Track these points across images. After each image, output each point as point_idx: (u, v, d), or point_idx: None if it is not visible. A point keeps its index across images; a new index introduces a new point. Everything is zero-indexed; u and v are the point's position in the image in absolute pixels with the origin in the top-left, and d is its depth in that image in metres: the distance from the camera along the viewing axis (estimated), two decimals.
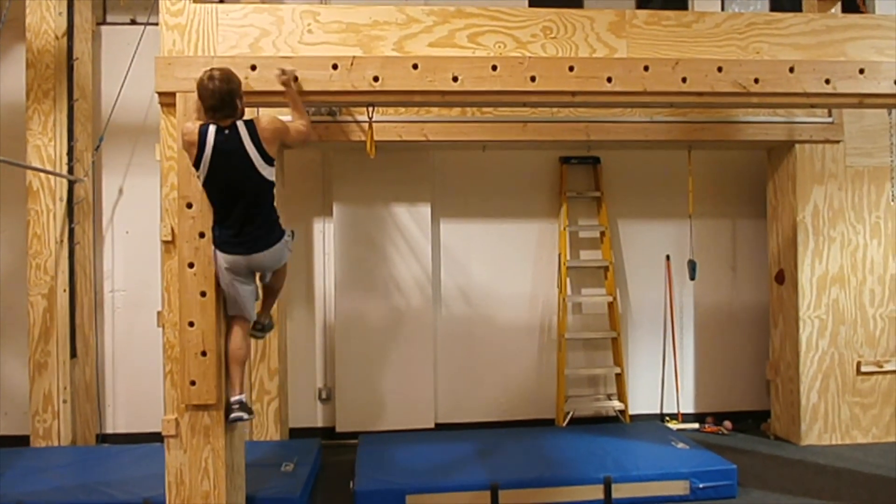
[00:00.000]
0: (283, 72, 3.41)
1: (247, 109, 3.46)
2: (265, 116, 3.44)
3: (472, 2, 3.87)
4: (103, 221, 5.95)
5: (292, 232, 3.68)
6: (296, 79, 3.45)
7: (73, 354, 5.52)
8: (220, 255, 3.41)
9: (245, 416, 3.47)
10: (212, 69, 3.27)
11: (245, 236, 3.39)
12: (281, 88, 3.43)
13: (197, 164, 3.32)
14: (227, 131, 3.29)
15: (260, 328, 3.87)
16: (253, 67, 3.44)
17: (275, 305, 4.02)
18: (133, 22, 5.91)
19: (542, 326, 6.31)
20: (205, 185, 3.36)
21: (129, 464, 4.83)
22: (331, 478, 5.04)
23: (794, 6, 6.14)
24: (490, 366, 6.22)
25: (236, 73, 3.36)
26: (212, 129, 3.29)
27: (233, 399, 3.48)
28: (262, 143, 3.33)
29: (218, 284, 3.42)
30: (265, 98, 3.50)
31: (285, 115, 3.60)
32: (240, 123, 3.32)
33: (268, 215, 3.47)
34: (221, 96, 3.25)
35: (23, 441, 5.42)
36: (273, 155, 3.39)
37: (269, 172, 3.38)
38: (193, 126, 3.31)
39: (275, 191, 3.50)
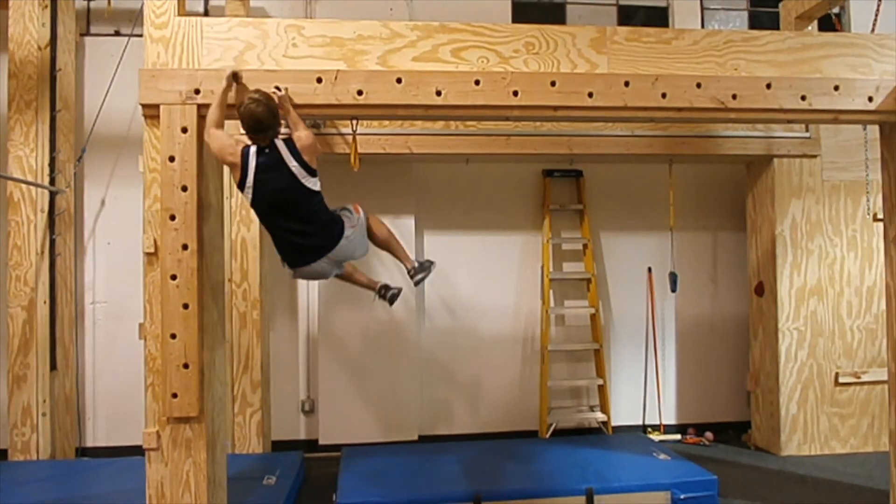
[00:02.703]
0: (278, 88, 3.44)
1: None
2: (298, 131, 3.49)
3: (456, 17, 3.91)
4: (85, 233, 5.92)
5: (348, 208, 3.85)
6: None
7: (53, 367, 5.46)
8: (299, 271, 3.66)
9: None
10: (252, 93, 3.33)
11: (311, 246, 3.59)
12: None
13: (241, 185, 3.43)
14: (267, 150, 3.40)
15: (420, 269, 4.04)
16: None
17: (403, 247, 4.14)
18: (117, 33, 5.91)
19: (525, 338, 6.34)
20: (253, 204, 3.49)
21: (109, 477, 4.77)
22: (313, 491, 5.02)
23: (773, 24, 6.27)
24: (473, 378, 6.24)
25: (220, 85, 3.39)
26: (253, 149, 3.40)
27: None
28: (303, 156, 3.44)
29: (200, 296, 3.41)
30: None
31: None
32: (278, 141, 3.42)
33: (322, 219, 3.61)
34: (265, 119, 3.33)
35: (0, 455, 5.35)
36: (315, 166, 3.50)
37: (312, 183, 3.50)
38: (237, 147, 3.40)
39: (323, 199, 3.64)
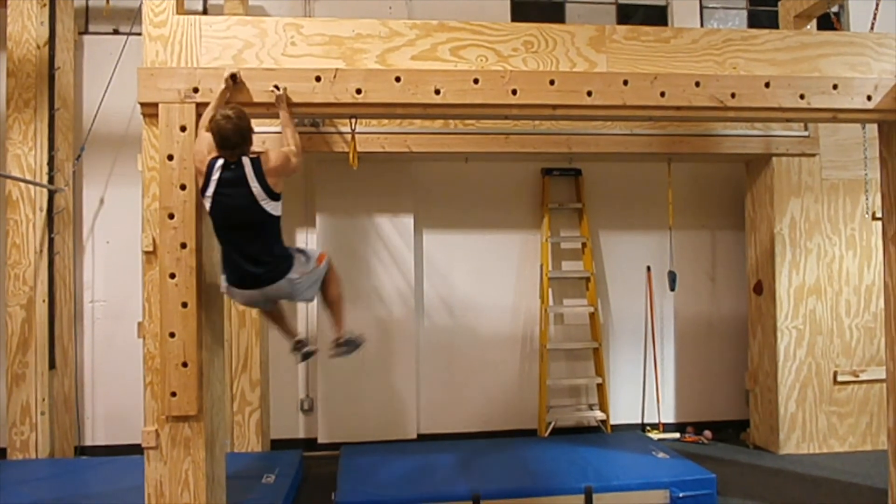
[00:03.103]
0: (277, 87, 3.43)
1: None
2: (272, 152, 3.45)
3: (455, 16, 3.91)
4: (84, 231, 5.91)
5: (302, 249, 3.68)
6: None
7: (52, 366, 5.46)
8: (233, 290, 3.49)
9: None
10: (227, 109, 3.29)
11: (253, 271, 3.39)
12: (264, 100, 3.43)
13: (203, 193, 3.37)
14: (233, 166, 3.32)
15: (345, 344, 3.81)
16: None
17: (343, 317, 3.89)
18: (116, 32, 5.90)
19: (524, 337, 6.34)
20: (210, 214, 3.40)
21: (108, 476, 4.78)
22: (312, 489, 5.02)
23: (772, 22, 6.28)
24: (472, 376, 6.24)
25: (218, 84, 3.39)
26: (219, 162, 3.33)
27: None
28: (267, 179, 3.34)
29: (199, 295, 3.41)
30: (250, 109, 3.49)
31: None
32: (245, 159, 3.34)
33: (272, 248, 3.44)
34: (234, 137, 3.27)
35: None
36: (278, 190, 3.39)
37: (272, 207, 3.37)
38: (207, 156, 3.34)
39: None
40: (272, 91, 3.43)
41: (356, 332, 3.89)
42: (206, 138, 3.35)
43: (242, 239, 3.37)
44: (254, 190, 3.32)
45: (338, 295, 3.85)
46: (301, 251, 3.65)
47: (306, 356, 3.96)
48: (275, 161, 3.38)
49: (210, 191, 3.32)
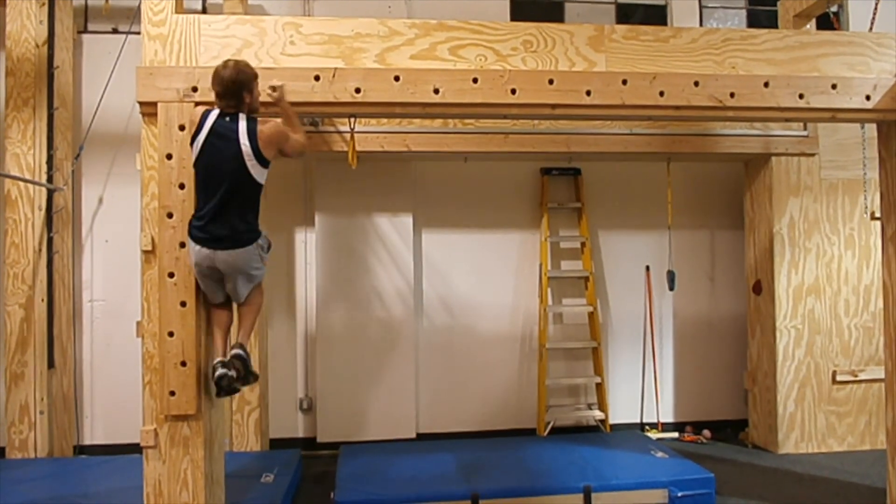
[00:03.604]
0: (274, 88, 3.43)
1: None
2: (271, 121, 3.43)
3: (455, 15, 3.91)
4: (83, 231, 5.91)
5: (269, 242, 3.54)
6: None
7: (51, 365, 5.46)
8: (190, 243, 3.34)
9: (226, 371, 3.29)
10: (229, 60, 3.33)
11: (216, 229, 3.28)
12: (263, 100, 3.44)
13: (191, 143, 3.34)
14: (227, 118, 3.32)
15: (236, 357, 3.41)
16: None
17: (251, 331, 3.60)
18: (115, 31, 5.90)
19: (523, 336, 6.34)
20: (194, 166, 3.35)
21: (107, 476, 4.78)
22: (311, 489, 5.02)
23: (771, 22, 6.28)
24: (471, 376, 6.24)
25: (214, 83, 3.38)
26: (214, 112, 3.34)
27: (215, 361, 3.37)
28: (258, 140, 3.31)
29: (198, 293, 3.41)
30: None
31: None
32: (241, 115, 3.33)
33: (244, 215, 3.36)
34: (228, 84, 3.28)
35: None
36: (269, 157, 3.37)
37: (258, 172, 3.34)
38: (199, 109, 3.38)
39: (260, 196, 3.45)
40: (269, 93, 3.42)
41: (248, 362, 3.47)
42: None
43: (220, 195, 3.28)
44: (243, 147, 3.29)
45: (259, 304, 3.65)
46: (264, 237, 3.49)
47: (220, 379, 3.33)
48: (272, 129, 3.37)
49: (200, 138, 3.30)
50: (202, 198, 3.35)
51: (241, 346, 3.47)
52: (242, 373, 3.41)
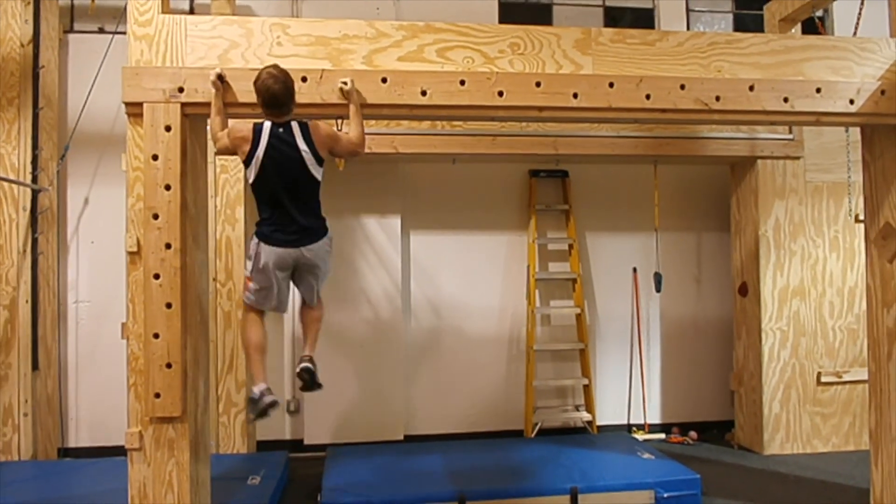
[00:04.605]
0: (346, 83, 3.44)
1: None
2: (318, 122, 3.56)
3: (443, 17, 3.91)
4: (68, 231, 5.86)
5: (330, 233, 3.74)
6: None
7: (35, 367, 5.42)
8: (265, 248, 3.51)
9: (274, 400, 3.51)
10: (270, 68, 3.32)
11: (296, 231, 3.53)
12: (248, 101, 3.42)
13: (248, 161, 3.43)
14: (281, 129, 3.43)
15: (308, 373, 3.68)
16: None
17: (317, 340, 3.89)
18: (101, 31, 5.87)
19: (510, 338, 6.35)
20: (254, 182, 3.47)
21: (91, 478, 4.74)
22: (298, 491, 5.01)
23: (758, 26, 6.32)
24: (459, 377, 6.25)
25: (203, 84, 3.37)
26: (267, 125, 3.43)
27: (255, 390, 3.51)
28: (314, 142, 3.47)
29: (184, 295, 3.39)
30: (235, 109, 3.49)
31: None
32: (294, 123, 3.46)
33: (316, 211, 3.63)
34: (281, 97, 3.34)
35: None
36: (324, 157, 3.53)
37: (318, 172, 3.54)
38: (246, 124, 3.44)
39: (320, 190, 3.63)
40: (341, 87, 3.43)
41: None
42: (231, 125, 3.47)
43: (289, 199, 3.49)
44: (303, 152, 3.46)
45: (322, 313, 3.96)
46: (331, 237, 3.75)
47: (270, 406, 3.50)
48: (324, 131, 3.53)
49: (259, 152, 3.40)
50: (271, 206, 3.52)
51: (311, 360, 3.75)
52: (309, 384, 3.72)
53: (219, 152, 3.58)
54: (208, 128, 3.59)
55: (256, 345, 3.64)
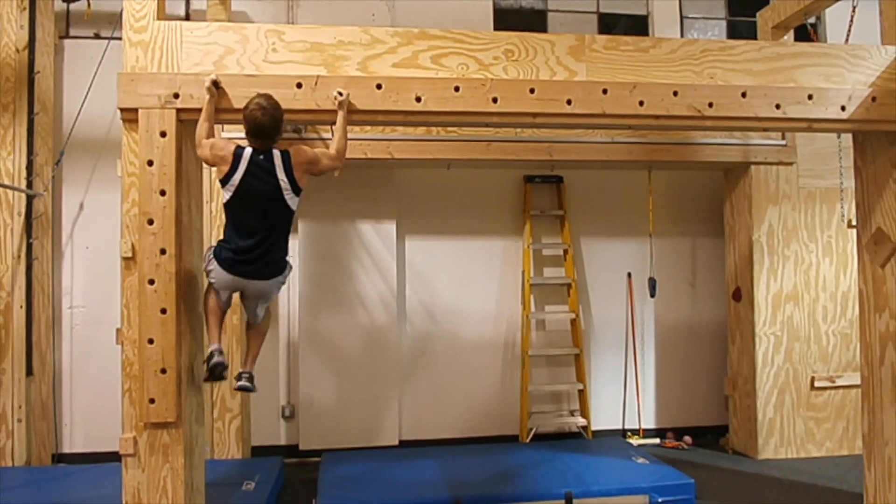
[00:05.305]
0: (340, 93, 3.45)
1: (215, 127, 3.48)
2: (300, 148, 3.52)
3: (439, 23, 3.93)
4: (63, 237, 5.86)
5: (290, 266, 3.65)
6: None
7: (30, 372, 5.40)
8: (217, 269, 3.45)
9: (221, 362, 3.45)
10: (261, 98, 3.31)
11: (254, 262, 3.43)
12: (239, 107, 3.42)
13: (225, 182, 3.37)
14: (262, 156, 3.37)
15: (249, 380, 3.67)
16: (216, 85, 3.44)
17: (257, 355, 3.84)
18: (97, 36, 5.88)
19: (506, 343, 6.36)
20: (228, 203, 3.41)
21: (85, 484, 4.73)
22: (293, 496, 5.00)
23: (751, 33, 6.36)
24: (454, 382, 6.25)
25: (199, 90, 3.38)
26: (248, 150, 3.37)
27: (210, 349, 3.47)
28: (294, 172, 3.42)
29: (179, 300, 3.40)
30: (229, 115, 3.50)
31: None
32: (275, 151, 3.40)
33: (281, 245, 3.53)
34: (268, 128, 3.33)
35: None
36: (303, 186, 3.47)
37: (293, 202, 3.46)
38: (228, 144, 3.40)
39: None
40: (335, 97, 3.45)
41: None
42: (214, 141, 3.42)
43: (258, 227, 3.41)
44: (281, 182, 3.39)
45: (266, 329, 3.91)
46: (289, 265, 3.65)
47: (215, 368, 3.49)
48: (305, 157, 3.47)
49: (236, 177, 3.34)
50: (239, 231, 3.43)
51: (251, 377, 3.67)
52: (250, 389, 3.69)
53: (200, 158, 3.53)
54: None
55: (212, 309, 3.58)
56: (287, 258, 3.60)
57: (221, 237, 3.56)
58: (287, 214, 3.48)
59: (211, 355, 3.46)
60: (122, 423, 3.47)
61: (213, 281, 3.49)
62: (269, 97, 3.35)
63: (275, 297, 3.74)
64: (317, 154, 3.53)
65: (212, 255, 3.48)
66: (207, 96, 3.38)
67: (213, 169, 4.90)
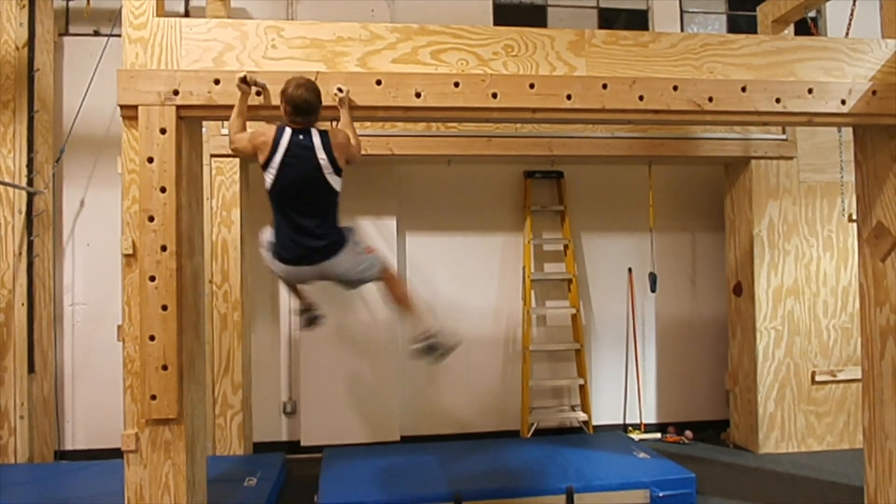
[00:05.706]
0: (340, 90, 3.45)
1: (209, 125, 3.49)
2: (337, 129, 3.54)
3: (438, 19, 3.92)
4: (64, 234, 5.87)
5: (352, 229, 3.71)
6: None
7: (31, 369, 5.41)
8: (277, 264, 3.55)
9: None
10: (299, 79, 3.34)
11: (305, 246, 3.49)
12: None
13: (266, 165, 3.40)
14: (301, 135, 3.40)
15: (426, 340, 3.69)
16: (216, 81, 3.43)
17: (421, 313, 3.82)
18: (96, 33, 5.87)
19: (506, 338, 6.37)
20: (270, 190, 3.45)
21: (87, 481, 4.74)
22: (295, 492, 5.02)
23: (751, 27, 6.35)
24: (455, 378, 6.25)
25: (199, 86, 3.39)
26: (287, 130, 3.40)
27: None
28: (333, 151, 3.44)
29: (179, 297, 3.40)
30: (228, 112, 3.50)
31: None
32: (314, 130, 3.43)
33: (331, 223, 3.56)
34: (311, 105, 3.35)
35: None
36: (342, 166, 3.49)
37: (336, 182, 3.48)
38: (270, 128, 3.43)
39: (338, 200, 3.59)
40: (336, 94, 3.45)
41: (446, 334, 3.71)
42: (255, 128, 3.46)
43: (303, 210, 3.45)
44: (321, 161, 3.41)
45: (403, 294, 3.88)
46: (351, 230, 3.73)
47: (312, 321, 4.13)
48: (342, 138, 3.49)
49: (277, 157, 3.37)
50: (286, 219, 3.48)
51: (427, 336, 3.69)
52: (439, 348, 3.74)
53: (234, 153, 3.56)
54: (224, 129, 3.61)
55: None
56: (342, 232, 3.61)
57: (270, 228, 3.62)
58: (331, 196, 3.49)
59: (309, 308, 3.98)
60: (123, 419, 3.47)
61: (277, 275, 3.62)
62: (304, 77, 3.37)
63: (368, 264, 3.69)
64: (349, 142, 3.54)
65: (266, 251, 3.60)
66: (239, 93, 3.40)
67: (214, 168, 4.96)
